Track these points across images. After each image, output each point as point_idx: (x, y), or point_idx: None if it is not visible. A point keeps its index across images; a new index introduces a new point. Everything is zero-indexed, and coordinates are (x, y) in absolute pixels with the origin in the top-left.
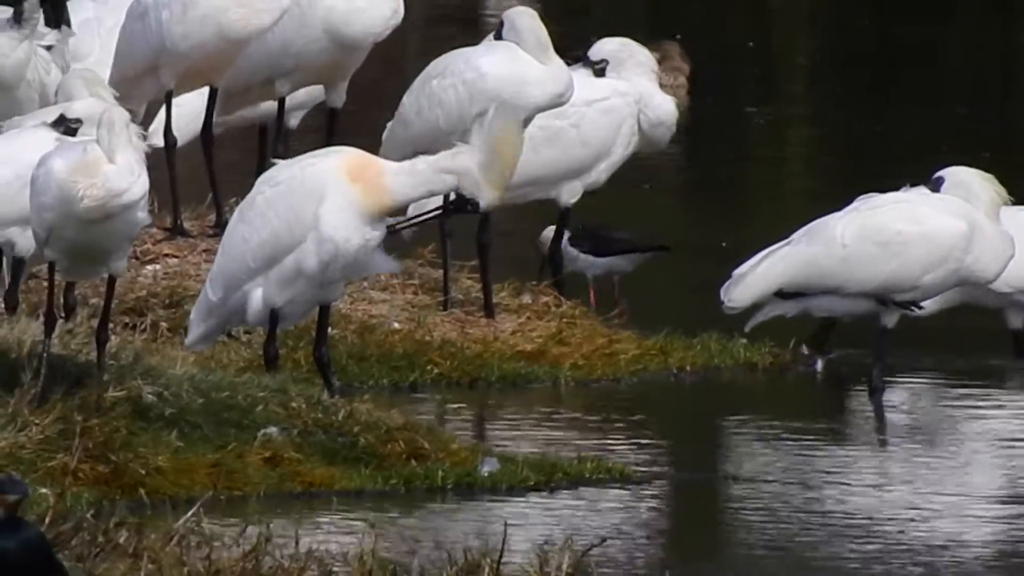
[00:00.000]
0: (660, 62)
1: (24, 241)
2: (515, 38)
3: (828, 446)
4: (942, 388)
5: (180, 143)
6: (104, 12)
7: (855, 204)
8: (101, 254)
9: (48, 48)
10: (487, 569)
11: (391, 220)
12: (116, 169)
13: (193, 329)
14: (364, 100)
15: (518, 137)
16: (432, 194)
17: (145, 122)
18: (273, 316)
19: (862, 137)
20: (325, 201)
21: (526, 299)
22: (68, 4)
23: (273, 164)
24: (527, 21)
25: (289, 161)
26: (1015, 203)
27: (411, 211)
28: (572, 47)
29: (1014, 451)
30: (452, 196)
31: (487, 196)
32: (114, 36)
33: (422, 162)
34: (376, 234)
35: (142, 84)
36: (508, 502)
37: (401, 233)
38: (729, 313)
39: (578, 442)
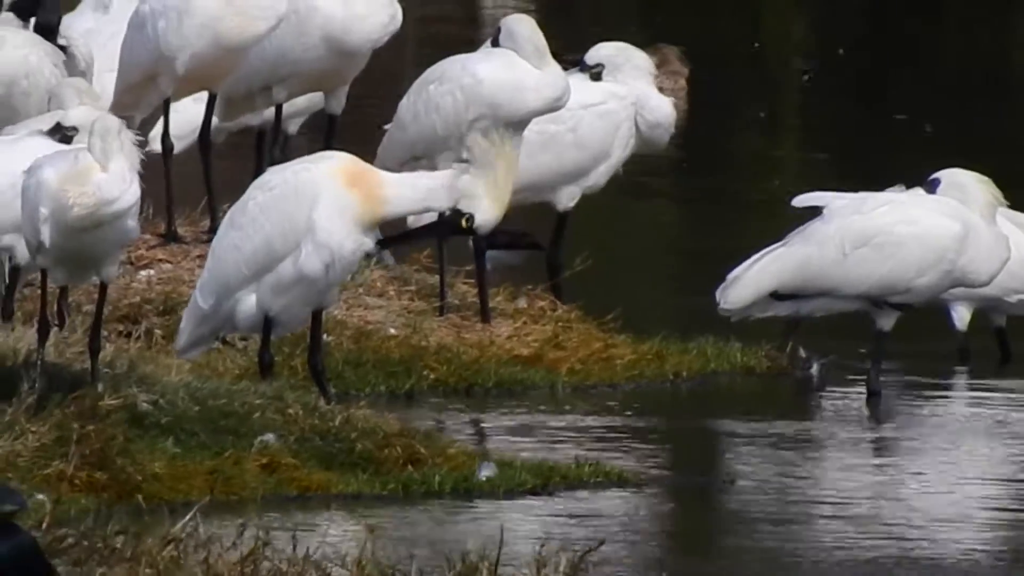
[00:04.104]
0: (659, 66)
1: (21, 249)
2: (512, 44)
3: (825, 449)
4: (937, 387)
5: (178, 149)
6: (104, 22)
7: (836, 208)
8: (92, 261)
9: (64, 50)
10: (485, 572)
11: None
12: (108, 177)
13: (183, 337)
14: (362, 106)
15: (514, 151)
16: (429, 209)
17: (144, 128)
18: (267, 323)
19: (858, 138)
20: (319, 206)
21: (522, 303)
22: (70, 14)
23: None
24: (524, 28)
25: (281, 166)
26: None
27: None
28: (569, 52)
29: (1013, 449)
30: (447, 213)
31: (489, 215)
32: (113, 45)
33: (426, 177)
34: (369, 241)
35: (145, 93)
36: (505, 506)
37: (389, 248)
38: (725, 315)
39: (575, 446)
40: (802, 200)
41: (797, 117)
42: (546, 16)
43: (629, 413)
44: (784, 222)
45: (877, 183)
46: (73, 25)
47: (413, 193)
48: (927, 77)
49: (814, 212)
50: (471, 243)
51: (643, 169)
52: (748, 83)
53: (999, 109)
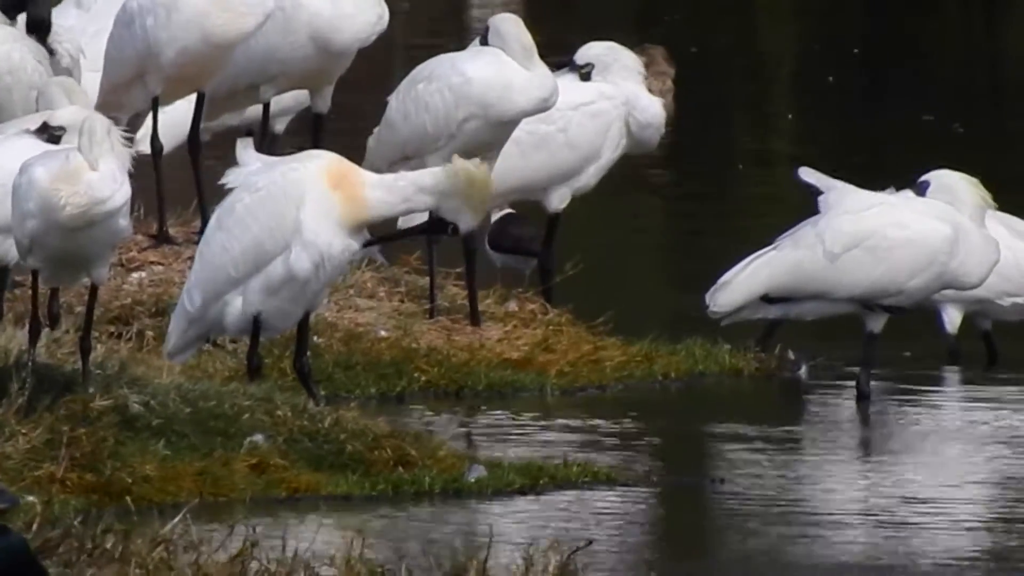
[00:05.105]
0: (646, 66)
1: (8, 249)
2: (500, 44)
3: (814, 451)
4: (926, 389)
5: (167, 149)
6: (86, 20)
7: (830, 202)
8: (83, 261)
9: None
10: (473, 572)
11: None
12: (98, 177)
13: (171, 340)
14: (349, 105)
15: (482, 172)
16: (411, 211)
17: (132, 128)
18: (255, 325)
19: (851, 139)
20: (305, 206)
21: (512, 306)
22: (52, 10)
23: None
24: (512, 27)
25: (268, 166)
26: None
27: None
28: (558, 52)
29: (1000, 451)
30: (431, 216)
31: (466, 219)
32: (96, 44)
33: (403, 179)
34: (356, 243)
35: (131, 92)
36: (494, 506)
37: (377, 248)
38: (714, 318)
39: (564, 447)
40: (805, 173)
41: (803, 119)
42: (533, 16)
43: (618, 414)
44: (776, 225)
45: (881, 184)
46: (55, 22)
47: (391, 196)
48: (932, 77)
49: (809, 211)
50: (462, 244)
51: (633, 169)
52: (749, 83)
53: (1003, 109)
